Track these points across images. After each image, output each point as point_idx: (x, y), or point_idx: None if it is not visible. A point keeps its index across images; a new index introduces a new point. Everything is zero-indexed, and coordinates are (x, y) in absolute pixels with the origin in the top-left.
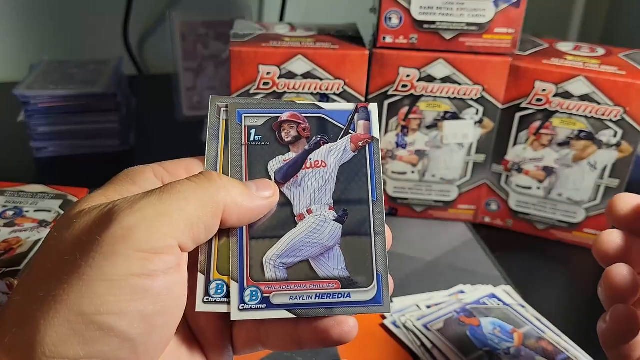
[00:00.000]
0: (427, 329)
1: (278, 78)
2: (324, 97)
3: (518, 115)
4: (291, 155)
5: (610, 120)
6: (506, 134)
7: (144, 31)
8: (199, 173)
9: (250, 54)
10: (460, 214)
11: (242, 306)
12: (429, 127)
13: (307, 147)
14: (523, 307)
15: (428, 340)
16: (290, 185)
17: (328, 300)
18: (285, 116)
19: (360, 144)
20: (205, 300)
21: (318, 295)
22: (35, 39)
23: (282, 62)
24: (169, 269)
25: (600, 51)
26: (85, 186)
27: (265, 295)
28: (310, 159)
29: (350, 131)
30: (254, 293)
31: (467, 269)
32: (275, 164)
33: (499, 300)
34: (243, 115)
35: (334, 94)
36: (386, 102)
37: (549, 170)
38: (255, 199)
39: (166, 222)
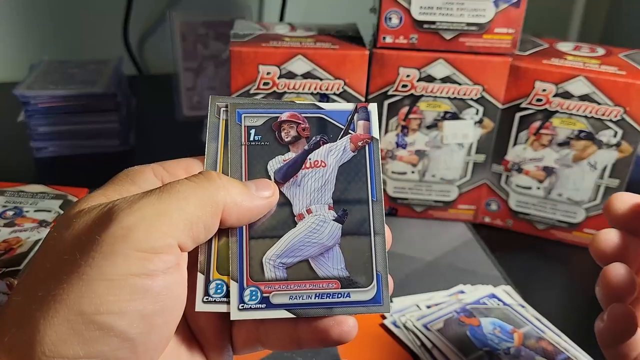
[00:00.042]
0: (427, 329)
1: (278, 78)
2: (324, 97)
3: (518, 115)
4: (291, 155)
5: (610, 120)
6: (506, 134)
7: (144, 31)
8: (199, 173)
9: (250, 54)
10: (460, 214)
11: (242, 306)
12: (429, 127)
13: (306, 147)
14: (523, 307)
15: (428, 340)
16: (289, 185)
17: (328, 300)
18: (284, 116)
19: (359, 144)
20: (204, 300)
21: (318, 295)
22: (35, 39)
23: (282, 62)
24: (168, 269)
25: (600, 51)
26: (85, 186)
27: (264, 295)
28: (309, 159)
29: (350, 131)
30: (254, 293)
31: (467, 269)
32: (274, 164)
33: (499, 300)
34: (243, 115)
35: (334, 94)
36: (386, 102)
37: (549, 170)
38: (255, 199)
39: (166, 221)
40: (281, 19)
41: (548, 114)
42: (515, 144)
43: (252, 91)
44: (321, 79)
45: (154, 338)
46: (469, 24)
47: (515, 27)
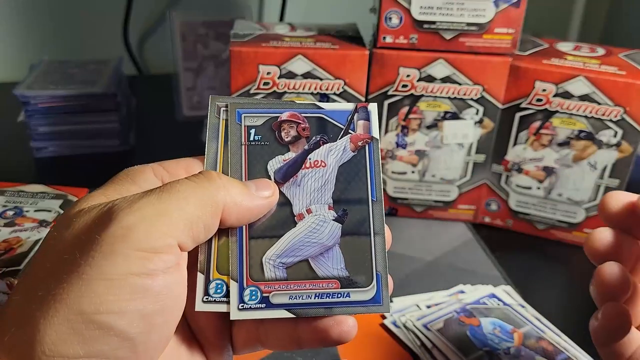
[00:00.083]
0: (427, 329)
1: (278, 78)
2: (324, 97)
3: (518, 115)
4: (291, 155)
5: (610, 120)
6: (506, 134)
7: (144, 31)
8: (199, 172)
9: (250, 54)
10: (460, 214)
11: (242, 306)
12: (429, 127)
13: (306, 147)
14: (523, 307)
15: (428, 340)
16: (289, 185)
17: (327, 300)
18: (284, 116)
19: (359, 143)
20: (204, 299)
21: (317, 294)
22: (35, 39)
23: (282, 62)
24: (168, 268)
25: (600, 51)
26: (85, 186)
27: (264, 294)
28: (309, 159)
29: (350, 131)
30: (254, 292)
31: (467, 269)
32: (274, 164)
33: (499, 300)
34: (243, 115)
35: (334, 94)
36: (386, 102)
37: (549, 170)
38: (255, 199)
39: (166, 221)
40: (281, 19)
41: (548, 114)
42: (515, 144)
43: (252, 91)
44: (321, 79)
45: (154, 337)
46: (469, 24)
47: (515, 27)
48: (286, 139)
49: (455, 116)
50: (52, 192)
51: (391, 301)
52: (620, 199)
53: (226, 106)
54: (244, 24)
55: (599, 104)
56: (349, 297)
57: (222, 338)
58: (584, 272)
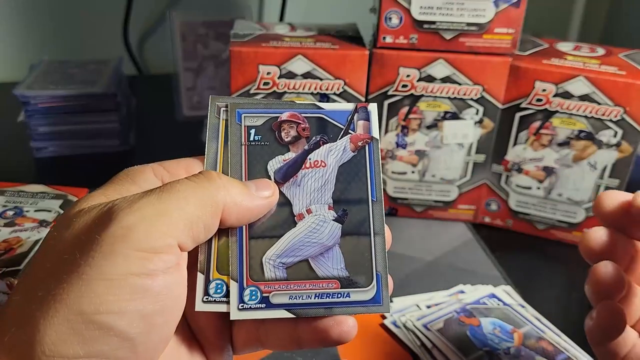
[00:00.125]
0: (427, 329)
1: (278, 78)
2: (324, 97)
3: (518, 115)
4: (291, 155)
5: (610, 120)
6: (506, 134)
7: (144, 31)
8: (199, 172)
9: (250, 54)
10: (460, 214)
11: (242, 306)
12: (429, 127)
13: (306, 147)
14: (523, 307)
15: (428, 340)
16: (289, 185)
17: (327, 300)
18: (284, 116)
19: (359, 144)
20: (204, 299)
21: (317, 295)
22: (35, 39)
23: (282, 62)
24: (168, 269)
25: (600, 51)
26: (85, 186)
27: (264, 294)
28: (309, 159)
29: (350, 131)
30: (254, 293)
31: (467, 269)
32: (274, 164)
33: (499, 300)
34: (243, 115)
35: (334, 94)
36: (386, 102)
37: (549, 170)
38: (255, 199)
39: (165, 221)
40: (281, 19)
41: (548, 114)
42: (515, 144)
43: (252, 91)
44: (321, 79)
45: (154, 338)
46: (469, 24)
47: (515, 27)
48: (286, 139)
49: (455, 116)
50: (52, 192)
51: (391, 301)
52: (615, 198)
53: (226, 106)
54: (244, 24)
55: (599, 104)
56: (349, 297)
57: (222, 338)
58: (584, 272)
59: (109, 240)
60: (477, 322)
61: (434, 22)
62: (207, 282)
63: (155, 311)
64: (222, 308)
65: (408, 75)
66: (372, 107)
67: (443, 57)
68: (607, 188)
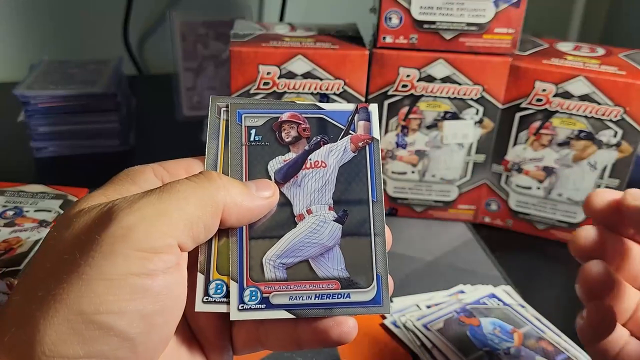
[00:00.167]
0: (427, 329)
1: (278, 78)
2: (324, 97)
3: (518, 115)
4: (291, 156)
5: (610, 120)
6: (506, 134)
7: (144, 31)
8: (199, 173)
9: (250, 54)
10: (460, 214)
11: (242, 306)
12: (429, 127)
13: (307, 148)
14: (523, 307)
15: (428, 340)
16: (290, 185)
17: (327, 300)
18: (285, 116)
19: (360, 144)
20: (204, 300)
21: (317, 295)
22: (35, 39)
23: (282, 62)
24: (168, 269)
25: (600, 51)
26: (85, 186)
27: (264, 295)
28: (310, 159)
29: (351, 131)
30: (254, 293)
31: (467, 269)
32: (275, 164)
33: (499, 300)
34: (243, 116)
35: (334, 94)
36: (386, 102)
37: (549, 170)
38: (255, 199)
39: (166, 221)
40: (281, 19)
41: (548, 114)
42: (515, 144)
43: (252, 91)
44: (321, 79)
45: (154, 338)
46: (469, 24)
47: (515, 27)
48: (287, 140)
49: (455, 116)
50: (52, 192)
51: (391, 301)
52: (606, 196)
53: (227, 106)
54: (244, 24)
55: (599, 104)
56: (349, 297)
57: (222, 338)
58: None
59: (109, 240)
60: (477, 322)
61: (434, 22)
62: (207, 282)
63: (155, 311)
64: (222, 308)
65: (408, 75)
66: (373, 108)
67: (443, 57)
68: (608, 188)
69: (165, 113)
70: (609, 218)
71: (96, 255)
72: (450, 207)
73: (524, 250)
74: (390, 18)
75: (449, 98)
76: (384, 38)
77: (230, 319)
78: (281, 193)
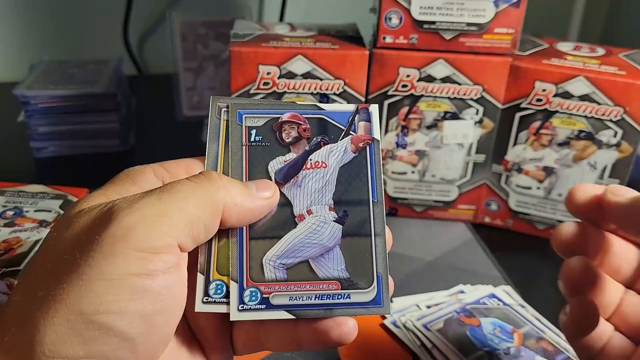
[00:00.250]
0: (427, 329)
1: (278, 78)
2: (324, 97)
3: (518, 115)
4: (291, 156)
5: (610, 120)
6: (506, 134)
7: (144, 31)
8: (199, 173)
9: (250, 54)
10: (460, 214)
11: (242, 306)
12: (429, 127)
13: (307, 148)
14: (523, 307)
15: (428, 340)
16: (290, 185)
17: (328, 301)
18: (285, 117)
19: (360, 145)
20: (204, 300)
21: (318, 296)
22: (35, 39)
23: (282, 62)
24: (168, 269)
25: (600, 51)
26: (85, 186)
27: (264, 295)
28: (310, 160)
29: (351, 132)
30: (254, 293)
31: (467, 269)
32: (275, 165)
33: (499, 300)
34: (244, 116)
35: (334, 94)
36: (386, 102)
37: (549, 170)
38: (255, 199)
39: (166, 221)
40: (281, 19)
41: (548, 114)
42: (515, 144)
43: (252, 91)
44: (321, 79)
45: (154, 338)
46: (469, 24)
47: (515, 27)
48: (287, 140)
49: (455, 116)
50: (52, 192)
51: (391, 301)
52: (587, 191)
53: (227, 107)
54: (244, 24)
55: (599, 104)
56: (350, 298)
57: (222, 339)
58: None
59: (109, 240)
60: (477, 322)
61: (434, 22)
62: (207, 282)
63: (155, 311)
64: (222, 309)
65: (408, 75)
66: (373, 108)
67: (443, 57)
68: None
69: (165, 113)
70: (591, 213)
71: (96, 255)
72: (450, 207)
73: (524, 250)
74: (390, 18)
75: (449, 98)
76: (384, 38)
77: (230, 319)
78: (281, 193)
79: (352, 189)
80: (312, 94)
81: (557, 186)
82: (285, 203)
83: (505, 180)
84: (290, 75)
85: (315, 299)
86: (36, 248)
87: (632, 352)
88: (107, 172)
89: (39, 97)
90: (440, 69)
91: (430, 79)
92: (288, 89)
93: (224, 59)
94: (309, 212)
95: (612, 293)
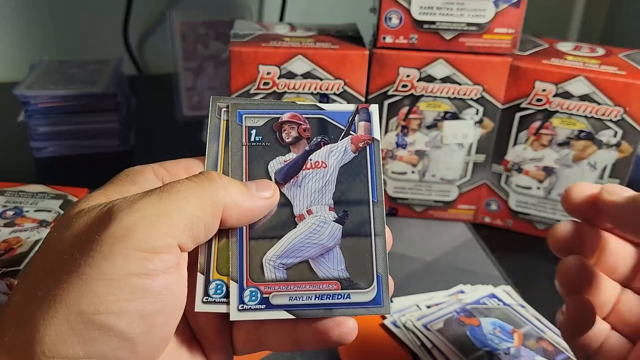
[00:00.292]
0: (427, 329)
1: (278, 78)
2: (324, 97)
3: (518, 115)
4: (291, 156)
5: (610, 120)
6: (506, 134)
7: (144, 31)
8: (199, 173)
9: (250, 54)
10: (460, 214)
11: (242, 306)
12: (429, 127)
13: (307, 148)
14: (523, 307)
15: (428, 340)
16: (290, 185)
17: (328, 301)
18: (285, 117)
19: (360, 145)
20: (204, 300)
21: (318, 296)
22: (35, 39)
23: (282, 62)
24: (168, 269)
25: (600, 51)
26: (85, 186)
27: (264, 295)
28: (310, 160)
29: (351, 132)
30: (254, 293)
31: (467, 269)
32: (275, 165)
33: (499, 300)
34: (244, 116)
35: (334, 94)
36: (386, 102)
37: (549, 170)
38: (255, 199)
39: (166, 221)
40: (281, 19)
41: (548, 114)
42: (515, 144)
43: (252, 91)
44: (321, 79)
45: (154, 338)
46: (469, 24)
47: (515, 27)
48: (287, 140)
49: (455, 116)
50: (52, 192)
51: (391, 301)
52: (583, 190)
53: (227, 107)
54: (244, 24)
55: (599, 104)
56: (350, 298)
57: (222, 338)
58: None
59: (109, 240)
60: (477, 322)
61: (434, 22)
62: (207, 282)
63: (155, 311)
64: (222, 309)
65: (408, 75)
66: (373, 108)
67: (443, 57)
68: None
69: (165, 113)
70: (587, 212)
71: (96, 255)
72: (450, 207)
73: (524, 250)
74: (390, 18)
75: (449, 98)
76: (384, 38)
77: (230, 319)
78: (281, 193)
79: (352, 189)
80: (312, 94)
81: (557, 186)
82: (285, 203)
83: (505, 180)
84: (290, 75)
85: (315, 299)
86: (36, 248)
87: (629, 351)
88: (107, 172)
89: (39, 97)
90: (440, 69)
91: (430, 79)
92: (288, 89)
93: (224, 59)
94: (309, 212)
95: (608, 292)
